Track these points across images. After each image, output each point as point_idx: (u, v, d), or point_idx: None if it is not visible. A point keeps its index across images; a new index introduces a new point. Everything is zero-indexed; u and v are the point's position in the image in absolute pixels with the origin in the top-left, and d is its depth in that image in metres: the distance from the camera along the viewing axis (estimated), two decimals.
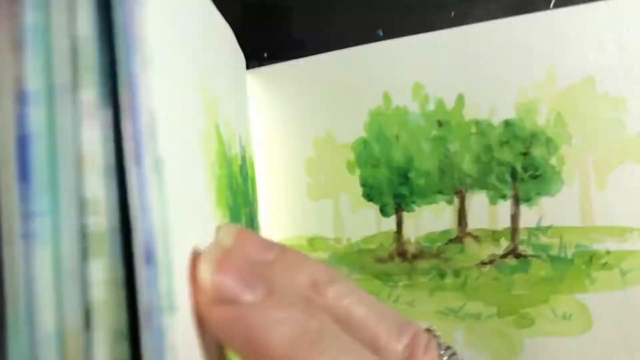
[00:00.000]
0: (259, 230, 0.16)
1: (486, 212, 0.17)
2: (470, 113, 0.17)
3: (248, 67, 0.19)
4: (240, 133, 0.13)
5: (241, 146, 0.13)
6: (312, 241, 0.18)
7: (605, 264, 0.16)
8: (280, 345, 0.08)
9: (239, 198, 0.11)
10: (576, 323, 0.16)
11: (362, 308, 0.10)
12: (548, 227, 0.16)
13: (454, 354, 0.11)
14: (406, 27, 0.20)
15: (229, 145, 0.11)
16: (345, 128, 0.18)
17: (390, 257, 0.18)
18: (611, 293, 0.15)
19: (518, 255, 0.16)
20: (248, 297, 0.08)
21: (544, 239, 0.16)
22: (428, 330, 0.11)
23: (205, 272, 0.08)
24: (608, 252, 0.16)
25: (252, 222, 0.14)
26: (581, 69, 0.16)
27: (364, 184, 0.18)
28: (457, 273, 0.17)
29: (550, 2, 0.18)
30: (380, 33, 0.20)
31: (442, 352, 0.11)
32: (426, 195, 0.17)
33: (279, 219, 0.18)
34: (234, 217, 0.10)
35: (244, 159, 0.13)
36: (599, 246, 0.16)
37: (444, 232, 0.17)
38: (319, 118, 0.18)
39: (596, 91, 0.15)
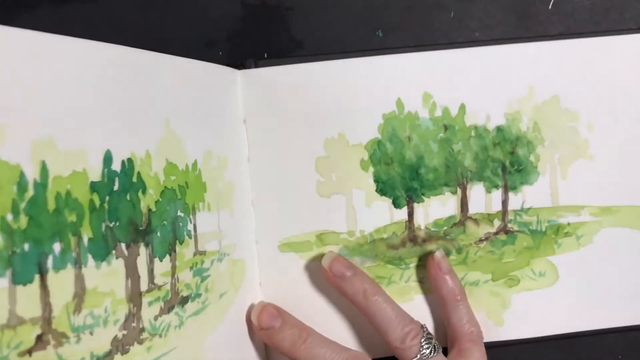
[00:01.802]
0: (181, 238, 0.17)
1: (483, 199, 0.22)
2: (470, 120, 0.22)
3: (247, 67, 0.21)
4: (109, 147, 0.14)
5: (122, 161, 0.14)
6: (321, 236, 0.22)
7: (567, 232, 0.22)
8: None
9: (68, 216, 0.12)
10: (548, 278, 0.22)
11: (386, 304, 0.19)
12: (528, 209, 0.22)
13: (430, 339, 0.19)
14: (406, 28, 0.23)
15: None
16: (359, 130, 0.21)
17: (402, 243, 0.22)
18: (570, 253, 0.22)
19: (507, 232, 0.22)
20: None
21: (526, 218, 0.22)
22: (421, 325, 0.20)
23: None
24: (569, 224, 0.22)
25: (141, 234, 0.15)
26: (551, 89, 0.22)
27: (377, 180, 0.22)
28: (459, 250, 0.22)
29: (549, 4, 0.22)
30: (380, 34, 0.23)
31: (422, 339, 0.19)
32: (434, 187, 0.22)
33: (286, 217, 0.21)
34: (30, 236, 0.11)
35: (126, 172, 0.14)
36: (563, 220, 0.22)
37: (449, 218, 0.22)
38: (332, 120, 0.21)
39: (560, 106, 0.22)
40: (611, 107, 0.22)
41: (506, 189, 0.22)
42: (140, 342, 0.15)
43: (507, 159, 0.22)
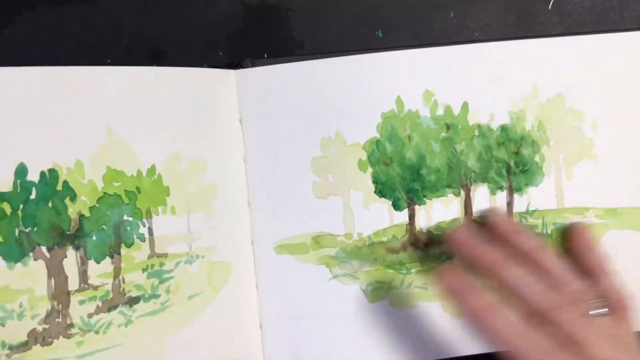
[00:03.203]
0: (127, 241, 0.18)
1: (487, 201, 0.21)
2: (473, 118, 0.21)
3: (244, 66, 0.21)
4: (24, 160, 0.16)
5: (40, 172, 0.17)
6: (318, 238, 0.21)
7: None
8: None
9: None
10: None
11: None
12: (534, 211, 0.22)
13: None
14: (406, 28, 0.23)
15: None
16: (356, 129, 0.21)
17: (403, 247, 0.21)
18: None
19: None
20: None
21: (531, 220, 0.21)
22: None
23: None
24: None
25: (68, 238, 0.17)
26: (555, 87, 0.21)
27: (376, 181, 0.21)
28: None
29: (549, 4, 0.22)
30: (380, 34, 0.23)
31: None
32: (436, 189, 0.21)
33: (282, 218, 0.21)
34: None
35: (46, 182, 0.17)
36: (568, 222, 0.21)
37: (453, 221, 0.21)
38: (329, 119, 0.21)
39: (564, 105, 0.21)
40: (615, 106, 0.21)
41: (511, 191, 0.21)
42: (68, 337, 0.16)
43: (511, 159, 0.21)
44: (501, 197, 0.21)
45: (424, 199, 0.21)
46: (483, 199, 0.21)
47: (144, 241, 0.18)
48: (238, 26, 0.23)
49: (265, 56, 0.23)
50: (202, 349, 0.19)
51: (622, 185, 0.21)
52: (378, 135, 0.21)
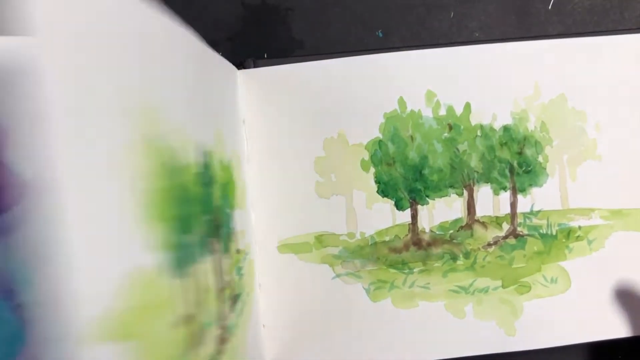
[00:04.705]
0: (231, 236, 0.16)
1: (490, 201, 0.21)
2: (475, 118, 0.21)
3: (246, 67, 0.21)
4: (199, 139, 0.13)
5: (203, 152, 0.14)
6: (320, 238, 0.21)
7: (578, 236, 0.21)
8: None
9: (193, 207, 0.12)
10: (560, 285, 0.21)
11: None
12: (538, 211, 0.21)
13: None
14: (406, 28, 0.23)
15: (172, 155, 0.11)
16: (359, 129, 0.21)
17: (406, 247, 0.21)
18: (582, 258, 0.21)
19: (517, 236, 0.21)
20: None
21: (535, 221, 0.21)
22: None
23: None
24: (579, 227, 0.21)
25: (217, 229, 0.14)
26: (557, 87, 0.21)
27: (378, 181, 0.21)
28: (467, 255, 0.21)
29: (549, 4, 0.22)
30: (380, 34, 0.22)
31: None
32: (439, 189, 0.21)
33: (285, 217, 0.21)
34: (184, 227, 0.11)
35: (207, 165, 0.14)
36: (573, 223, 0.21)
37: (455, 221, 0.21)
38: (331, 119, 0.21)
39: (567, 105, 0.21)
40: (617, 106, 0.21)
41: (514, 191, 0.21)
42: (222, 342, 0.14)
43: (514, 159, 0.21)
44: (504, 198, 0.21)
45: (427, 198, 0.21)
46: (487, 199, 0.21)
47: (234, 235, 0.17)
48: (238, 26, 0.23)
49: (265, 56, 0.22)
50: (253, 348, 0.18)
51: (628, 186, 0.21)
52: (380, 136, 0.21)
